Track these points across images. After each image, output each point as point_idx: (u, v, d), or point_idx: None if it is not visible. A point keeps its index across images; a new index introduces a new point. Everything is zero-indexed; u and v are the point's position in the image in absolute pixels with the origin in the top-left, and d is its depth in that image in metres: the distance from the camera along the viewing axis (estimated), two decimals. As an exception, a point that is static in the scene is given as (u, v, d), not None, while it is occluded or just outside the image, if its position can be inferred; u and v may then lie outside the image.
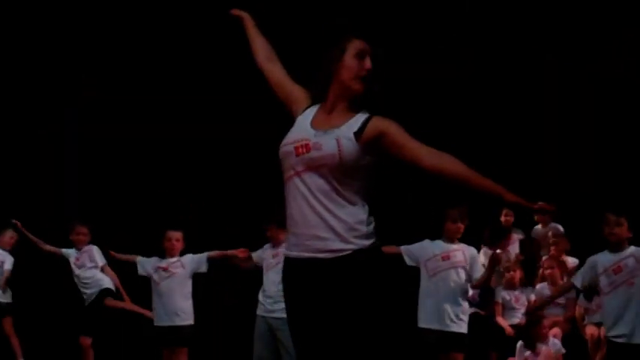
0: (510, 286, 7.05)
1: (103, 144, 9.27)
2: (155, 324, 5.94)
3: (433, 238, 5.37)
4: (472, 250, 5.27)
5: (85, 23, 9.44)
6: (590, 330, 6.57)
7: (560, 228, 7.57)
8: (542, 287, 6.99)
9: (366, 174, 2.57)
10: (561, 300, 6.83)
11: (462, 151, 8.58)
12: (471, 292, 6.51)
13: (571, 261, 7.22)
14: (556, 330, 6.62)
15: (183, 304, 5.87)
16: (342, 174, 2.51)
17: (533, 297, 7.04)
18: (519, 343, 6.38)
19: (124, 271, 6.88)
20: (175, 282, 5.90)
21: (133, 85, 9.31)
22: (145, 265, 6.09)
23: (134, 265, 6.21)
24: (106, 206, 8.87)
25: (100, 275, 6.87)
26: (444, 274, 5.11)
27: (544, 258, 7.29)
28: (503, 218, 7.66)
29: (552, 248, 7.20)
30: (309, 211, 2.51)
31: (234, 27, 3.35)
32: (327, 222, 2.50)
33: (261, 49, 3.03)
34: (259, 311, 5.41)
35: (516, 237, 7.76)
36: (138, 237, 7.10)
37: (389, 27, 9.37)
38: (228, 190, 9.13)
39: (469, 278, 5.19)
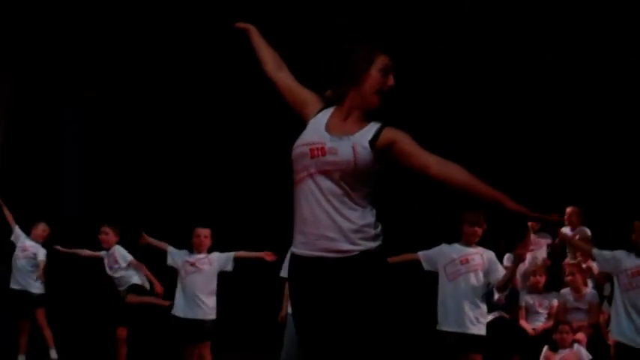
0: (534, 290, 7.03)
1: (102, 144, 9.27)
2: (177, 314, 6.06)
3: (449, 242, 5.41)
4: (490, 253, 5.29)
5: (85, 23, 9.44)
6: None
7: (588, 232, 7.44)
8: (566, 293, 6.91)
9: (375, 180, 2.67)
10: (585, 305, 6.80)
11: (462, 150, 8.60)
12: (496, 295, 6.71)
13: (596, 267, 7.03)
14: (580, 335, 6.57)
15: (206, 299, 5.97)
16: (354, 179, 2.61)
17: (556, 302, 6.97)
18: (545, 348, 6.39)
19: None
20: (201, 278, 6.02)
21: (133, 85, 9.32)
22: (175, 256, 6.21)
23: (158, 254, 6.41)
24: (106, 205, 8.87)
25: (129, 273, 6.99)
26: (463, 277, 5.15)
27: (567, 261, 7.21)
28: (529, 224, 7.66)
29: (578, 254, 7.13)
30: (320, 212, 2.60)
31: (232, 27, 3.37)
32: (336, 223, 2.59)
33: (269, 59, 3.09)
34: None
35: (544, 241, 7.71)
36: (138, 236, 7.13)
37: (389, 27, 9.37)
38: (228, 190, 9.14)
39: (488, 281, 5.23)
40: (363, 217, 2.63)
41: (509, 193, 7.96)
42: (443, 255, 5.27)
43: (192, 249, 6.22)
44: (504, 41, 9.46)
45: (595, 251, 5.52)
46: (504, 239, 6.97)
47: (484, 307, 5.22)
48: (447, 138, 8.85)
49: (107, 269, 7.06)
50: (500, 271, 5.23)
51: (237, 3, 9.58)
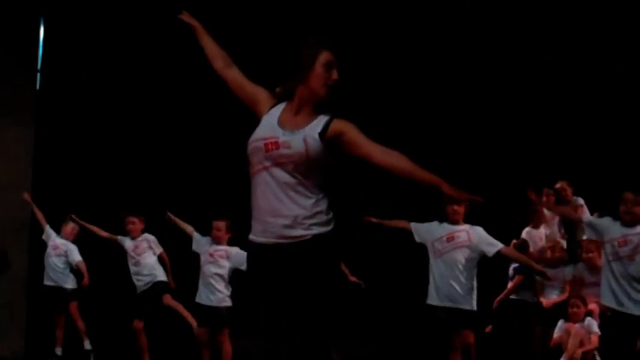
0: (550, 265, 7.14)
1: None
2: (197, 301, 6.30)
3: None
4: (478, 229, 5.37)
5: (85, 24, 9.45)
6: None
7: (581, 201, 7.82)
8: (581, 267, 7.08)
9: (326, 170, 2.88)
10: (599, 279, 6.74)
11: (462, 150, 8.60)
12: (511, 269, 7.05)
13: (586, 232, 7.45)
14: (593, 306, 6.75)
15: (220, 287, 6.17)
16: (306, 169, 2.81)
17: (570, 275, 7.15)
18: (560, 322, 6.61)
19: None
20: (217, 268, 6.21)
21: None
22: (200, 243, 6.42)
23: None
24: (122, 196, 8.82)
25: (156, 265, 7.12)
26: (449, 254, 5.27)
27: (584, 238, 7.28)
28: (544, 198, 7.84)
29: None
30: (276, 202, 2.81)
31: (177, 19, 3.46)
32: (291, 211, 2.80)
33: (218, 56, 3.29)
34: None
35: (557, 217, 8.00)
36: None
37: (389, 27, 9.37)
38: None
39: (479, 255, 5.29)
40: (316, 204, 2.83)
41: (509, 192, 8.05)
42: (431, 232, 5.40)
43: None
44: (504, 41, 9.46)
45: (584, 218, 5.60)
46: (519, 215, 7.11)
47: (473, 283, 5.29)
48: (447, 138, 8.86)
49: (134, 255, 7.14)
50: (493, 243, 5.30)
51: (237, 3, 9.60)
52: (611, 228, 5.30)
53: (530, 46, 9.40)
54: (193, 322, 6.63)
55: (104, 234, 7.53)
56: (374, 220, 5.58)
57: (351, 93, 3.05)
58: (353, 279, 6.15)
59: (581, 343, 6.43)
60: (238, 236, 6.28)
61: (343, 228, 2.94)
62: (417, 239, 5.50)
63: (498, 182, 8.39)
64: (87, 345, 7.80)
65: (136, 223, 7.19)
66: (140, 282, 7.07)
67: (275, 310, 2.81)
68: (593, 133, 9.11)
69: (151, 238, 7.19)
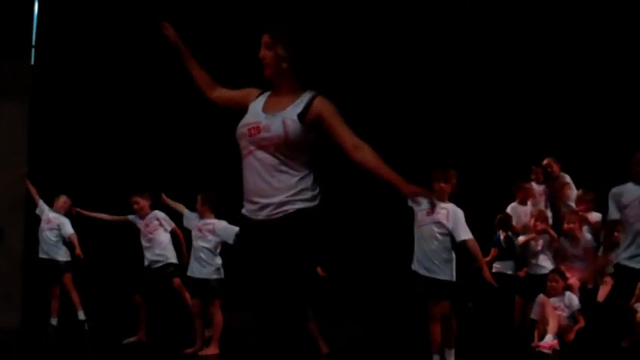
0: (531, 232, 7.46)
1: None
2: (189, 274, 6.51)
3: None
4: (458, 212, 5.48)
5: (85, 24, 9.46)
6: (606, 280, 6.84)
7: (567, 178, 8.10)
8: (563, 241, 7.34)
9: (310, 148, 2.99)
10: (579, 252, 7.26)
11: (463, 150, 8.60)
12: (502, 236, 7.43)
13: (596, 216, 7.66)
14: (573, 281, 6.99)
15: (210, 260, 6.38)
16: (287, 150, 2.93)
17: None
18: (538, 297, 6.79)
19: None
20: (206, 243, 6.41)
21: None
22: (189, 219, 6.67)
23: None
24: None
25: (169, 244, 7.13)
26: (427, 227, 5.40)
27: (566, 212, 7.68)
28: (533, 176, 8.25)
29: (578, 206, 7.68)
30: (262, 183, 2.95)
31: (156, 23, 3.51)
32: (277, 191, 2.94)
33: (204, 81, 3.44)
34: None
35: (542, 191, 8.27)
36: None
37: (389, 27, 9.37)
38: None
39: (450, 235, 5.42)
40: (300, 181, 2.95)
41: (509, 191, 8.10)
42: (418, 203, 5.46)
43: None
44: (504, 41, 9.45)
45: (609, 215, 5.62)
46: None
47: (452, 255, 5.41)
48: (447, 138, 8.86)
49: (144, 234, 7.16)
50: (465, 231, 5.39)
51: (237, 3, 9.61)
52: (627, 191, 5.40)
53: (530, 46, 9.40)
54: (200, 319, 6.66)
55: (110, 217, 7.61)
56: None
57: (351, 93, 3.08)
58: (322, 273, 6.18)
59: (560, 325, 6.59)
60: (226, 211, 6.43)
61: (328, 207, 3.04)
62: (409, 203, 5.57)
63: (499, 181, 8.40)
64: (81, 315, 8.01)
65: (139, 202, 7.18)
66: (151, 259, 7.08)
67: (263, 283, 2.95)
68: (593, 133, 9.11)
69: (161, 215, 7.20)
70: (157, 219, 7.16)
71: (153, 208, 7.26)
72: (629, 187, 5.44)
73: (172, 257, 7.14)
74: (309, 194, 2.95)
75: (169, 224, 7.19)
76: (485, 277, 5.38)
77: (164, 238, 7.13)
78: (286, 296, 2.87)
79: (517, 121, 9.02)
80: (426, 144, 8.50)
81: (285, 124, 2.93)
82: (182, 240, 7.19)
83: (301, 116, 2.95)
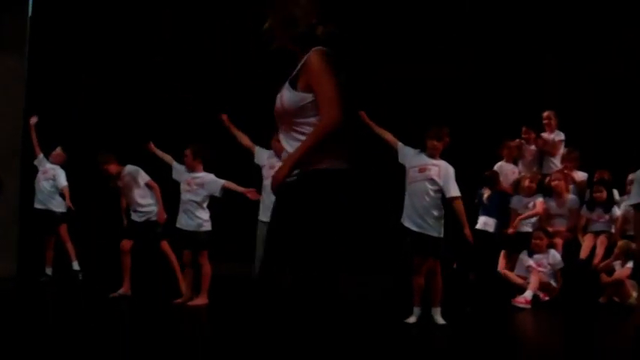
0: (524, 193, 7.56)
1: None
2: (177, 226, 6.55)
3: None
4: (449, 168, 5.53)
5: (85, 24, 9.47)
6: (588, 237, 7.24)
7: (562, 135, 8.16)
8: (549, 200, 7.51)
9: (316, 108, 2.90)
10: (566, 211, 7.47)
11: (462, 150, 8.59)
12: (485, 195, 7.64)
13: (581, 175, 7.91)
14: (557, 239, 7.18)
15: (199, 213, 6.46)
16: (291, 117, 2.91)
17: (540, 201, 7.49)
18: (523, 252, 6.97)
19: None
20: (194, 196, 6.47)
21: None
22: (179, 171, 6.63)
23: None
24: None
25: (144, 199, 6.98)
26: (418, 184, 5.44)
27: (554, 170, 7.88)
28: (524, 136, 8.34)
29: (565, 163, 7.91)
30: (284, 153, 2.97)
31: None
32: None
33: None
34: (260, 216, 5.93)
35: (535, 151, 8.37)
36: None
37: (389, 27, 9.38)
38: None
39: (442, 191, 5.48)
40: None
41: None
42: (410, 159, 5.57)
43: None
44: (504, 41, 9.46)
45: (629, 199, 5.60)
46: None
47: (441, 212, 5.46)
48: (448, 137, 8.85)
49: (123, 192, 7.11)
50: (454, 188, 5.44)
51: (237, 3, 9.61)
52: None
53: (530, 46, 9.40)
54: (180, 276, 6.73)
55: (123, 203, 7.55)
56: (365, 117, 5.70)
57: (351, 92, 3.05)
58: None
59: (541, 282, 6.72)
60: (213, 165, 6.56)
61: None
62: (400, 159, 5.68)
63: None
64: (75, 265, 8.11)
65: (105, 165, 6.97)
66: (134, 214, 7.02)
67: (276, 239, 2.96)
68: (593, 133, 9.11)
69: (132, 169, 6.98)
70: (130, 174, 6.98)
71: (139, 157, 7.06)
72: None
73: (155, 215, 6.97)
74: (319, 155, 2.87)
75: (143, 178, 6.99)
76: (465, 235, 5.42)
77: (136, 193, 6.95)
78: (300, 266, 2.87)
79: (517, 121, 9.02)
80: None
81: (282, 94, 2.91)
82: (157, 194, 6.98)
83: (293, 81, 2.90)
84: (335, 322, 2.80)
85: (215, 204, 6.62)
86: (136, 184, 6.92)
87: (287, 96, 2.90)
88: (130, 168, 6.96)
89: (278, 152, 5.95)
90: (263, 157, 6.31)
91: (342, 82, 2.94)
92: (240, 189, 6.35)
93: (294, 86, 2.90)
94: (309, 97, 2.87)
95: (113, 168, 6.93)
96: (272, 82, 3.21)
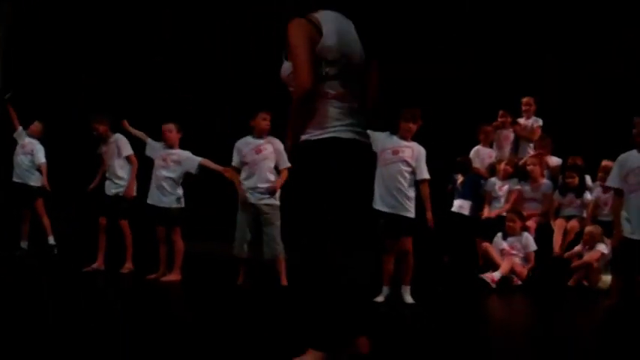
0: (500, 176, 7.71)
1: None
2: (149, 202, 6.53)
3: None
4: (421, 149, 5.61)
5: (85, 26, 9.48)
6: (559, 222, 7.35)
7: (540, 122, 8.25)
8: (524, 184, 7.62)
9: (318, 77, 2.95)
10: (539, 196, 7.57)
11: (463, 150, 8.56)
12: (459, 180, 7.78)
13: (555, 160, 8.02)
14: (530, 222, 7.29)
15: (172, 189, 6.45)
16: (289, 86, 2.96)
17: (516, 187, 7.63)
18: (498, 235, 7.07)
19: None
20: (169, 172, 6.45)
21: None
22: (153, 148, 6.60)
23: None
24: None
25: (122, 171, 6.93)
26: (392, 166, 5.49)
27: (529, 155, 7.98)
28: (500, 119, 8.41)
29: (538, 150, 7.99)
30: None
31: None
32: None
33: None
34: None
35: (512, 136, 8.46)
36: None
37: (389, 28, 9.38)
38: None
39: (414, 173, 5.55)
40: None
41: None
42: (381, 142, 5.58)
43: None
44: (504, 41, 9.46)
45: (608, 180, 5.68)
46: None
47: (412, 194, 5.52)
48: (447, 137, 8.85)
49: (105, 159, 6.99)
50: (423, 170, 5.52)
51: (237, 3, 9.61)
52: (630, 158, 5.42)
53: (530, 46, 9.40)
54: (129, 255, 6.76)
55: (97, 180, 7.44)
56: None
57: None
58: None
59: (513, 267, 6.76)
60: (192, 145, 6.55)
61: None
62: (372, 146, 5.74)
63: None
64: (51, 240, 8.14)
65: (96, 124, 6.93)
66: (108, 185, 6.95)
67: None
68: (593, 133, 9.11)
69: (120, 138, 6.91)
70: (116, 142, 6.92)
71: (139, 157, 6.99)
72: (633, 154, 5.48)
73: (123, 185, 6.94)
74: (315, 124, 2.93)
75: (126, 150, 6.93)
76: (427, 219, 5.49)
77: (116, 163, 6.90)
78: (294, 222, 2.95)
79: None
80: (425, 144, 8.50)
81: (282, 67, 2.99)
82: (133, 170, 6.92)
83: (285, 53, 2.97)
84: (325, 290, 2.83)
85: (192, 182, 6.61)
86: (118, 154, 6.89)
87: (284, 67, 2.98)
88: (118, 136, 6.92)
89: (262, 132, 6.08)
90: (154, 149, 6.49)
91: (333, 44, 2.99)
92: (216, 167, 6.34)
93: (285, 56, 2.97)
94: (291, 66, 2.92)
95: (103, 129, 6.90)
96: (272, 81, 3.21)
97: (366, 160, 3.11)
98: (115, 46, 9.92)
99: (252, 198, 5.96)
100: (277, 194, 5.93)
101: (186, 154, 6.47)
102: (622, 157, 5.45)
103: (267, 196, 5.93)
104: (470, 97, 8.92)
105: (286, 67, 2.94)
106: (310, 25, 2.98)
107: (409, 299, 5.33)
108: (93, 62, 9.86)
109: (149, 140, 6.63)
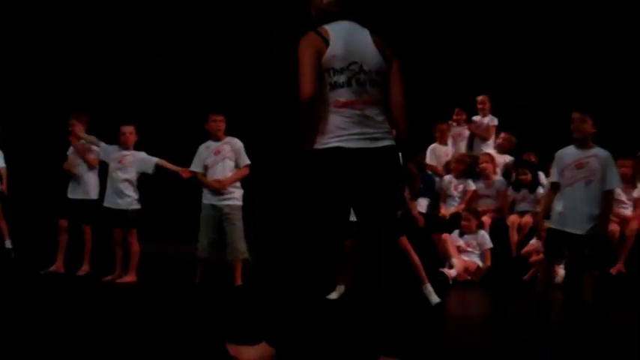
0: (454, 175, 7.87)
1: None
2: (105, 205, 6.54)
3: None
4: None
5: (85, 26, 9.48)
6: (513, 218, 7.49)
7: (496, 121, 8.40)
8: (478, 182, 7.83)
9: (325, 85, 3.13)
10: (493, 192, 7.78)
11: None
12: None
13: (507, 158, 8.24)
14: (485, 218, 7.45)
15: (128, 191, 6.46)
16: None
17: (471, 186, 7.79)
18: (455, 232, 7.18)
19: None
20: (125, 174, 6.46)
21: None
22: (107, 151, 6.61)
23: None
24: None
25: (88, 177, 6.88)
26: None
27: (481, 153, 8.16)
28: (454, 117, 8.60)
29: (494, 147, 8.30)
30: None
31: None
32: None
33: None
34: (205, 200, 6.11)
35: (466, 133, 8.64)
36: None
37: (389, 28, 9.37)
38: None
39: None
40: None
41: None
42: None
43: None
44: (504, 41, 9.46)
45: (550, 176, 5.70)
46: None
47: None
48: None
49: (74, 161, 6.93)
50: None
51: (237, 3, 9.61)
52: (568, 153, 5.46)
53: (530, 46, 9.40)
54: (87, 257, 6.73)
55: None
56: None
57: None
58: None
59: (468, 266, 6.88)
60: (191, 145, 6.46)
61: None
62: None
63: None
64: (8, 244, 8.08)
65: (73, 120, 6.86)
66: (71, 187, 6.92)
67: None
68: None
69: (92, 140, 6.84)
70: (84, 147, 6.89)
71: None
72: (570, 149, 5.52)
73: (93, 193, 6.91)
74: (323, 133, 3.10)
75: (91, 154, 6.86)
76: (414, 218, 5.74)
77: (82, 168, 6.88)
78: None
79: (517, 121, 9.03)
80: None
81: None
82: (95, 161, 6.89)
83: None
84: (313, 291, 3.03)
85: (148, 184, 6.63)
86: (86, 156, 6.84)
87: None
88: (92, 139, 6.83)
89: (216, 134, 6.14)
90: (108, 152, 6.53)
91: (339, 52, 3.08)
92: (174, 167, 6.35)
93: None
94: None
95: (79, 129, 6.83)
96: (272, 81, 3.21)
97: (374, 167, 3.12)
98: (115, 46, 9.92)
99: (214, 199, 6.03)
100: (239, 194, 6.05)
101: (142, 154, 6.50)
102: (559, 152, 5.50)
103: (229, 196, 6.00)
104: (470, 97, 8.92)
105: None
106: (317, 36, 3.09)
107: (435, 299, 5.17)
108: (93, 62, 9.86)
109: (102, 144, 6.65)
